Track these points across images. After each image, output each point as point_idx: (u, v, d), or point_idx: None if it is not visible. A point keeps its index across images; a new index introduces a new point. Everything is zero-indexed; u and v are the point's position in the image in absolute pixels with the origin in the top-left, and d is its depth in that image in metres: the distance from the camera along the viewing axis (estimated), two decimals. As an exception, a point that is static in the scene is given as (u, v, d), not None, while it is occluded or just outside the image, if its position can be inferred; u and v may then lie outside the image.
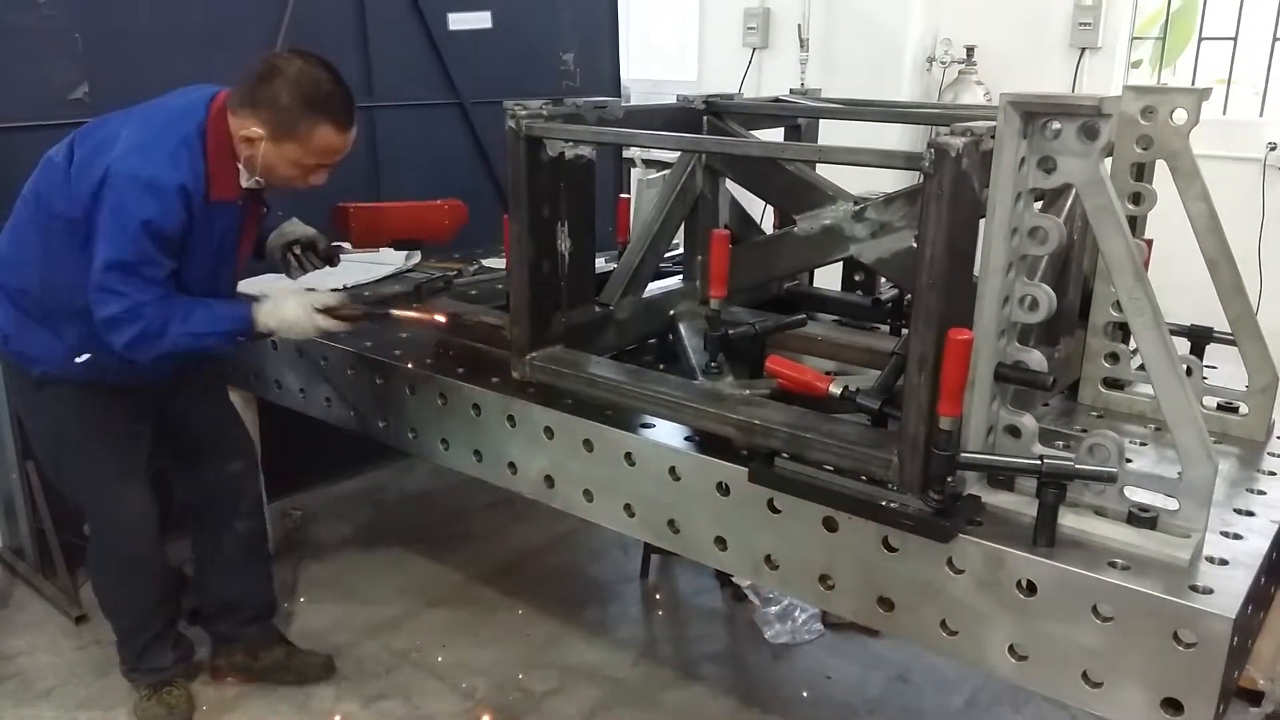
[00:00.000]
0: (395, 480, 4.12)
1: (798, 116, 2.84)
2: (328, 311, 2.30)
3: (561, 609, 3.20)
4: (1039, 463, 1.70)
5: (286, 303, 2.28)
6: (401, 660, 2.95)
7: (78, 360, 2.30)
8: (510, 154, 2.23)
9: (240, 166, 2.23)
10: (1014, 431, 1.85)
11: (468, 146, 4.25)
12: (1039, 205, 1.97)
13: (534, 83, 4.43)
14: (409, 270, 3.50)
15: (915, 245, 2.23)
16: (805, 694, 2.83)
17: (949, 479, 1.75)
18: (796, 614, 3.12)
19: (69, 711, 2.72)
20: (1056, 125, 1.70)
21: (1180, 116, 2.16)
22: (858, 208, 2.39)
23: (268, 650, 2.79)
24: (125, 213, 2.08)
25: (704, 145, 2.52)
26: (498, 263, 3.73)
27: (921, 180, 1.72)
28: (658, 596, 3.34)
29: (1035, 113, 1.69)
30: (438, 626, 3.11)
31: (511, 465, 2.43)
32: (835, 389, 1.97)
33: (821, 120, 2.99)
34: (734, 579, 3.28)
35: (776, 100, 2.89)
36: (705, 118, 2.70)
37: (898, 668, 2.94)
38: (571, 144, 2.30)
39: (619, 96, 4.93)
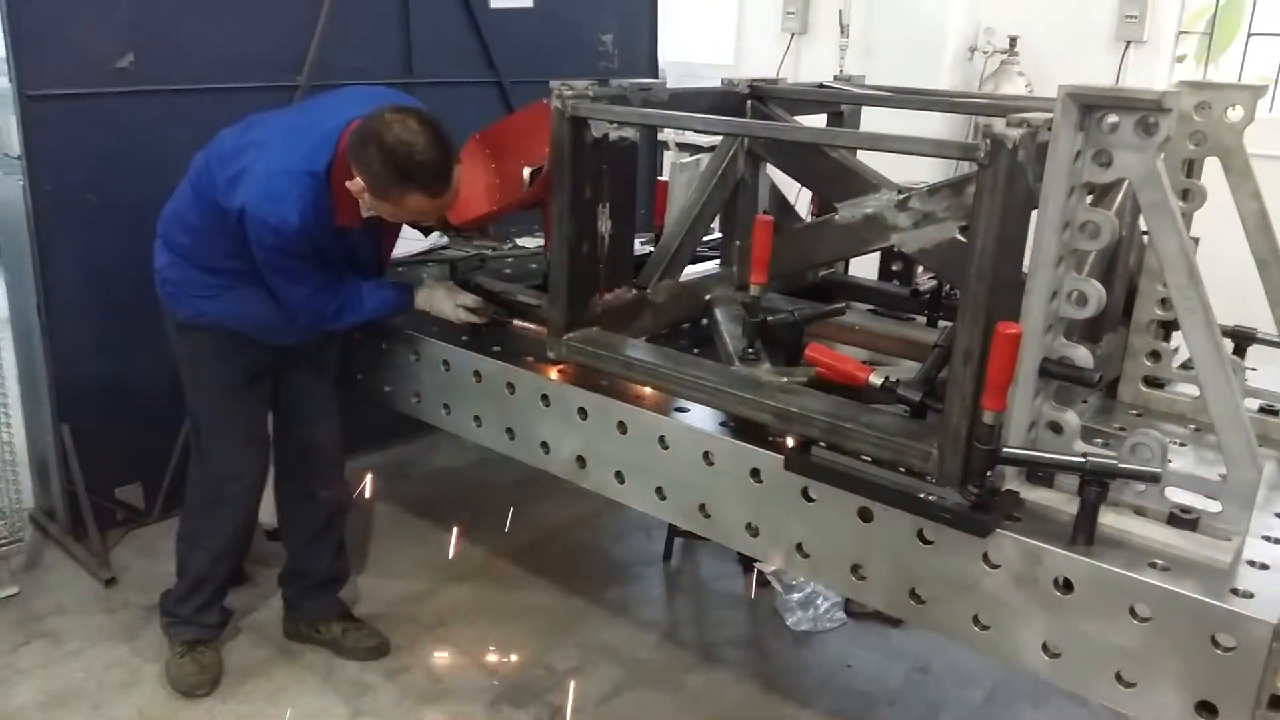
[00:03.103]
0: (422, 455, 4.14)
1: (842, 103, 2.81)
2: (468, 309, 2.61)
3: (584, 589, 3.21)
4: (1082, 460, 1.69)
5: (437, 294, 2.62)
6: (425, 634, 2.97)
7: (219, 309, 2.51)
8: (554, 134, 2.22)
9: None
10: (1056, 428, 1.84)
11: (505, 125, 4.24)
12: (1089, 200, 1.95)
13: (572, 63, 4.41)
14: (443, 246, 3.50)
15: (958, 237, 2.24)
16: (826, 682, 2.83)
17: (989, 474, 1.74)
18: (819, 602, 3.12)
19: (97, 672, 2.75)
20: (1114, 119, 1.68)
21: (1236, 113, 2.13)
22: (901, 197, 2.36)
23: (326, 625, 2.86)
24: (265, 248, 2.33)
25: (752, 130, 2.49)
26: (530, 241, 3.74)
27: (967, 171, 1.71)
28: (680, 580, 3.35)
29: (1093, 105, 1.67)
30: (461, 602, 3.13)
31: (544, 445, 2.44)
32: (876, 379, 1.96)
33: (861, 108, 2.97)
34: (757, 565, 3.28)
35: (821, 86, 2.86)
36: (749, 102, 2.67)
37: (919, 659, 2.93)
38: (616, 125, 2.29)
39: (657, 78, 4.90)
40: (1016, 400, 1.77)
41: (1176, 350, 2.36)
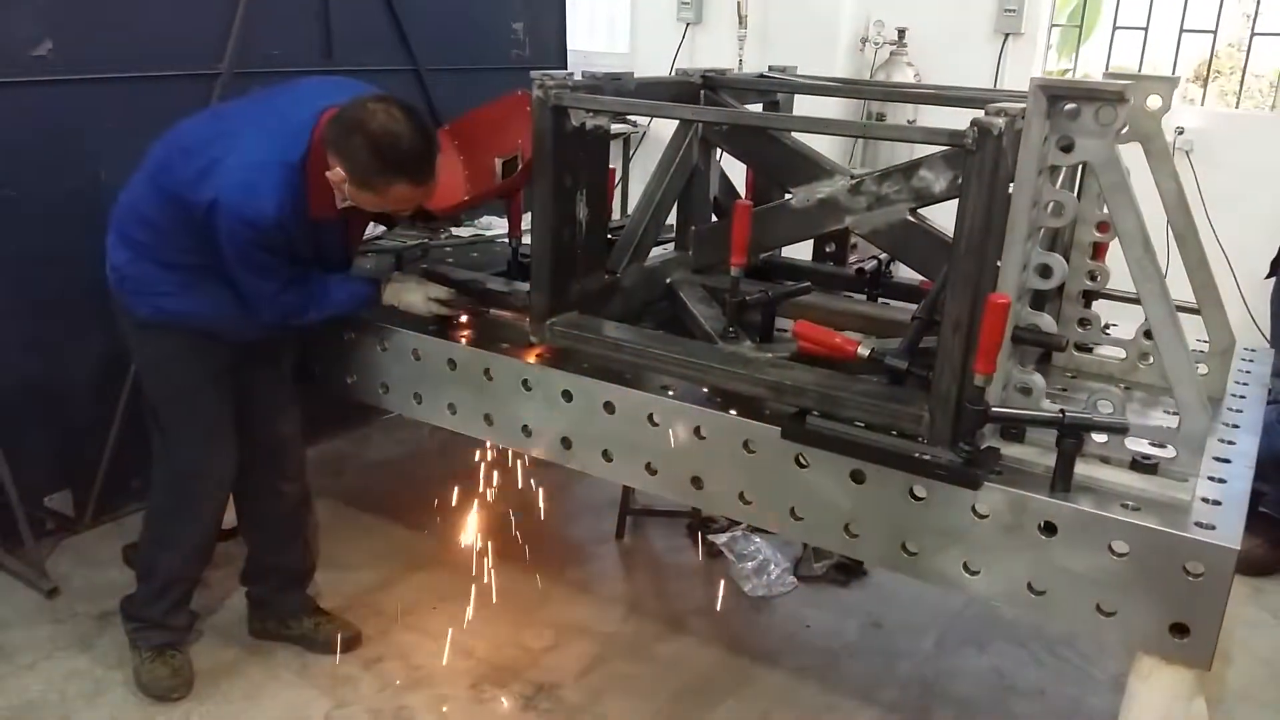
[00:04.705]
0: (355, 449, 4.10)
1: (789, 91, 2.94)
2: (440, 302, 2.61)
3: (544, 570, 3.27)
4: (1060, 416, 1.88)
5: (407, 287, 2.62)
6: (393, 624, 2.98)
7: (181, 306, 2.44)
8: (537, 123, 2.28)
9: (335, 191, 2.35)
10: (1025, 389, 2.03)
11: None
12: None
13: (486, 52, 4.45)
14: (379, 237, 3.48)
15: (909, 218, 2.41)
16: (788, 642, 2.99)
17: (978, 432, 1.92)
18: (770, 568, 3.27)
19: (57, 684, 2.66)
20: (1074, 106, 1.86)
21: (1154, 102, 2.36)
22: (854, 181, 2.52)
23: (297, 621, 2.82)
24: (237, 242, 2.28)
25: (742, 118, 2.57)
26: (462, 231, 3.77)
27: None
28: (635, 556, 3.45)
29: (1059, 96, 1.85)
30: (423, 590, 3.15)
31: (525, 428, 2.50)
32: (864, 351, 2.10)
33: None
34: (708, 536, 3.42)
35: (762, 76, 3.00)
36: (702, 91, 2.79)
37: (870, 615, 3.12)
38: (591, 114, 2.36)
39: (565, 67, 4.96)
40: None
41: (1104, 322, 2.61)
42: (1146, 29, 4.99)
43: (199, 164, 2.29)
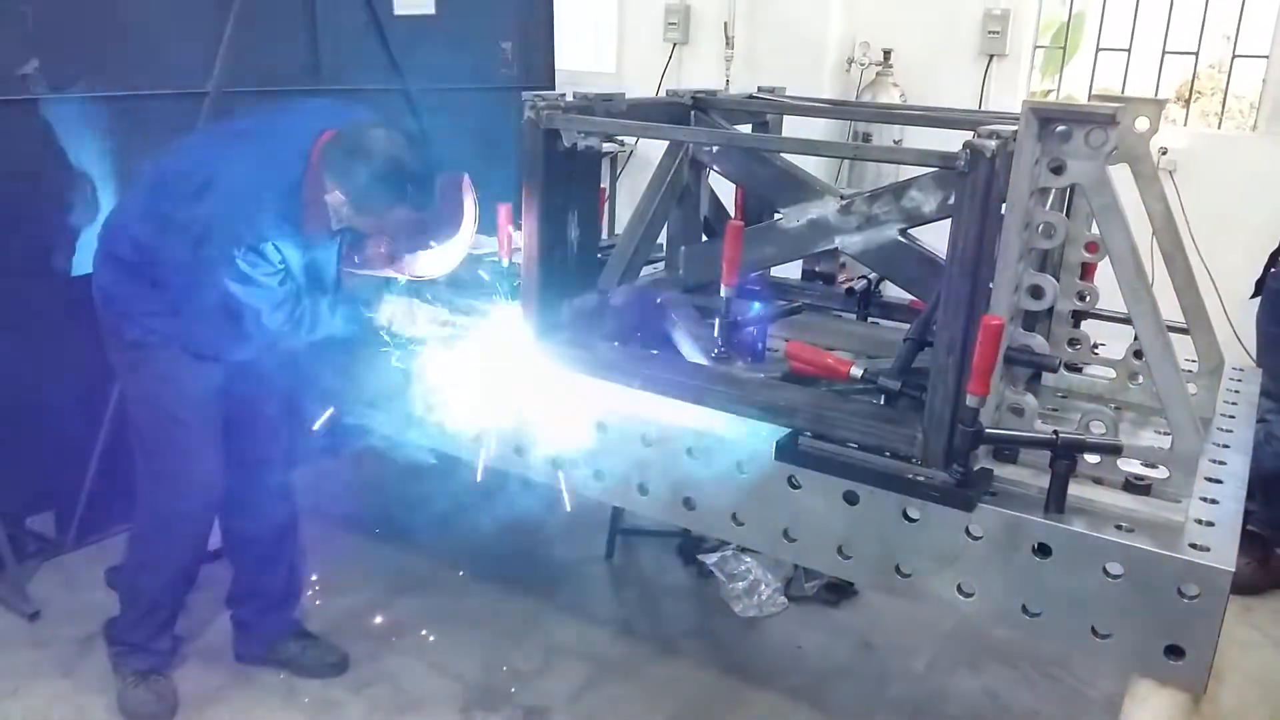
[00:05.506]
0: (337, 469, 4.07)
1: (778, 113, 2.95)
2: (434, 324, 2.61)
3: (534, 591, 3.25)
4: (1054, 437, 1.88)
5: (399, 308, 2.60)
6: (381, 646, 2.95)
7: (171, 327, 2.44)
8: (529, 144, 2.28)
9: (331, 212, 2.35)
10: (1017, 410, 2.03)
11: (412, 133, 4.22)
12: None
13: (475, 71, 4.45)
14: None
15: (899, 238, 2.42)
16: (780, 663, 2.98)
17: (971, 453, 1.91)
18: (761, 589, 3.26)
19: (39, 710, 2.62)
20: (1065, 128, 1.87)
21: (1143, 124, 2.38)
22: (844, 202, 2.52)
23: (283, 644, 2.80)
24: (232, 261, 2.26)
25: (736, 140, 2.58)
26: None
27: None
28: (626, 576, 3.43)
29: (1051, 118, 1.86)
30: (413, 612, 3.12)
31: (517, 449, 2.48)
32: (856, 371, 2.10)
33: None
34: (698, 556, 3.41)
35: (751, 97, 3.01)
36: (693, 111, 2.79)
37: (861, 636, 3.12)
38: (583, 135, 2.36)
39: (554, 87, 4.97)
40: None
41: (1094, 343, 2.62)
42: (1129, 51, 5.04)
43: (195, 183, 2.28)
